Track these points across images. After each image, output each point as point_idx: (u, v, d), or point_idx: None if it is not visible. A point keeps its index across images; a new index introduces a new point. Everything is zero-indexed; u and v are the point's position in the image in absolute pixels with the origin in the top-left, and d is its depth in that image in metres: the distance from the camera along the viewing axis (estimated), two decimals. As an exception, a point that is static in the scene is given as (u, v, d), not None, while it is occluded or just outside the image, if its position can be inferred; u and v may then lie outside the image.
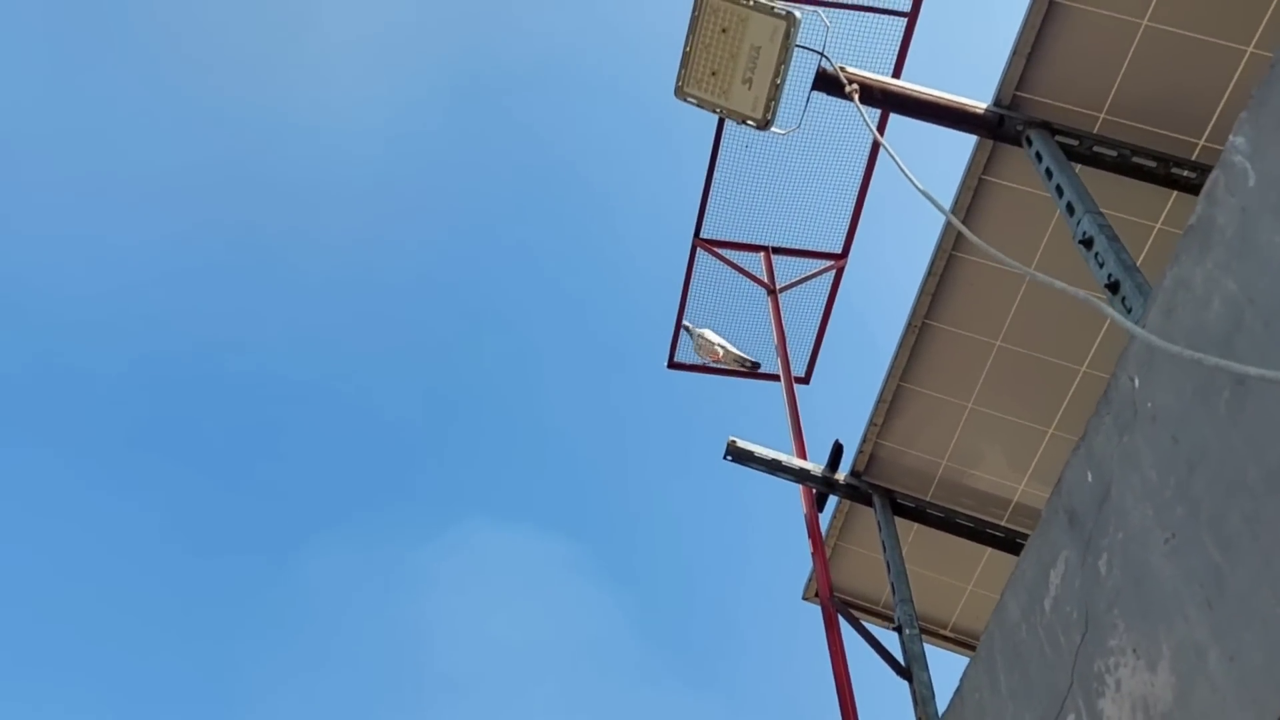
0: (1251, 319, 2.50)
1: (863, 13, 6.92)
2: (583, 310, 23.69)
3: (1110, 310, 2.68)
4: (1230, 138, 2.61)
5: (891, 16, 6.99)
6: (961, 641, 7.33)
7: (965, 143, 5.73)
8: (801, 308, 8.38)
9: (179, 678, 22.17)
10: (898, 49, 6.93)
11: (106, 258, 21.02)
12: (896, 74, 6.71)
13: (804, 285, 8.31)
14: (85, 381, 21.42)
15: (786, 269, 8.39)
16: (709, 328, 8.56)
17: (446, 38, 21.10)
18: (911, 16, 6.90)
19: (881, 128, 7.16)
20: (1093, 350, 5.91)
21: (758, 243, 8.40)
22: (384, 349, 23.30)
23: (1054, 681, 3.22)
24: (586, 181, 22.38)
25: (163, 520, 22.64)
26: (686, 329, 8.71)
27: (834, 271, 8.28)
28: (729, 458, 6.86)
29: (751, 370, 8.65)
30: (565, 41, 21.41)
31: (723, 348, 8.49)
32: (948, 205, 5.73)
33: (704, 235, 8.21)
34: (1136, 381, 2.97)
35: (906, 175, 4.33)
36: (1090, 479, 3.15)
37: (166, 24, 19.78)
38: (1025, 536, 6.43)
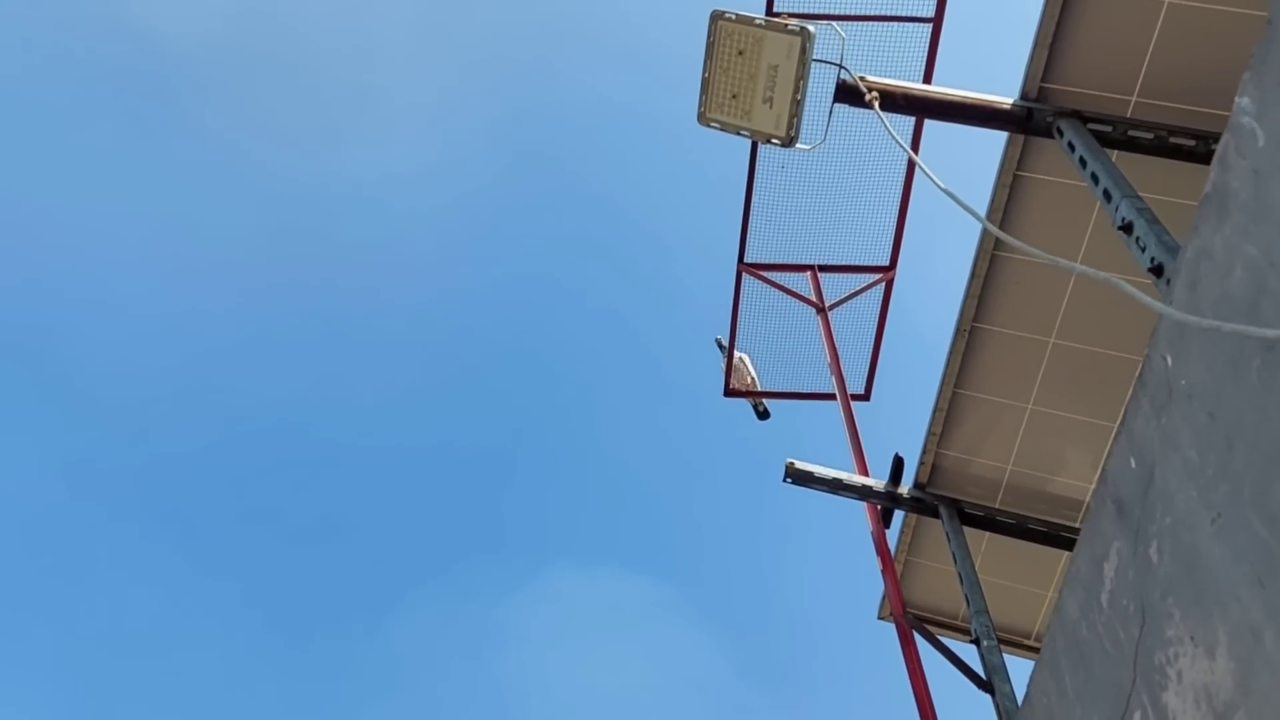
0: (1275, 282, 2.41)
1: (888, 23, 6.90)
2: (637, 346, 23.80)
3: (1129, 288, 2.61)
4: (1235, 99, 2.54)
5: (918, 25, 6.96)
6: (1047, 651, 7.10)
7: (1000, 140, 5.64)
8: (854, 324, 8.29)
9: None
10: (925, 55, 6.88)
11: (181, 332, 21.74)
12: (927, 79, 6.65)
13: (854, 301, 8.23)
14: (170, 458, 22.10)
15: (835, 286, 8.32)
16: (748, 353, 8.54)
17: (489, 92, 21.54)
18: (936, 22, 6.86)
19: (917, 134, 7.11)
20: (1151, 337, 5.73)
21: (803, 262, 8.35)
22: (444, 404, 23.65)
23: (1118, 678, 3.10)
24: (631, 218, 22.59)
25: (253, 592, 23.14)
26: (719, 344, 8.72)
27: (883, 284, 8.18)
28: (789, 480, 6.78)
29: (761, 415, 8.70)
30: (599, 84, 21.72)
31: (753, 378, 8.48)
32: (984, 205, 5.64)
33: (748, 260, 8.18)
34: (1169, 360, 2.88)
35: (934, 182, 4.28)
36: (1133, 465, 3.05)
37: (228, 101, 20.55)
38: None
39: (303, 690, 23.00)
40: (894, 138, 4.59)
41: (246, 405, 22.61)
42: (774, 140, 5.56)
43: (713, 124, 5.74)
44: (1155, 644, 2.89)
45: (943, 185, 4.20)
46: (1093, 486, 6.40)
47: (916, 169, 7.54)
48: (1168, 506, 2.85)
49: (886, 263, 8.13)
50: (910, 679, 5.99)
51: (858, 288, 8.21)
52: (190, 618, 22.62)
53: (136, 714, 22.01)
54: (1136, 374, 3.07)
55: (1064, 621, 3.49)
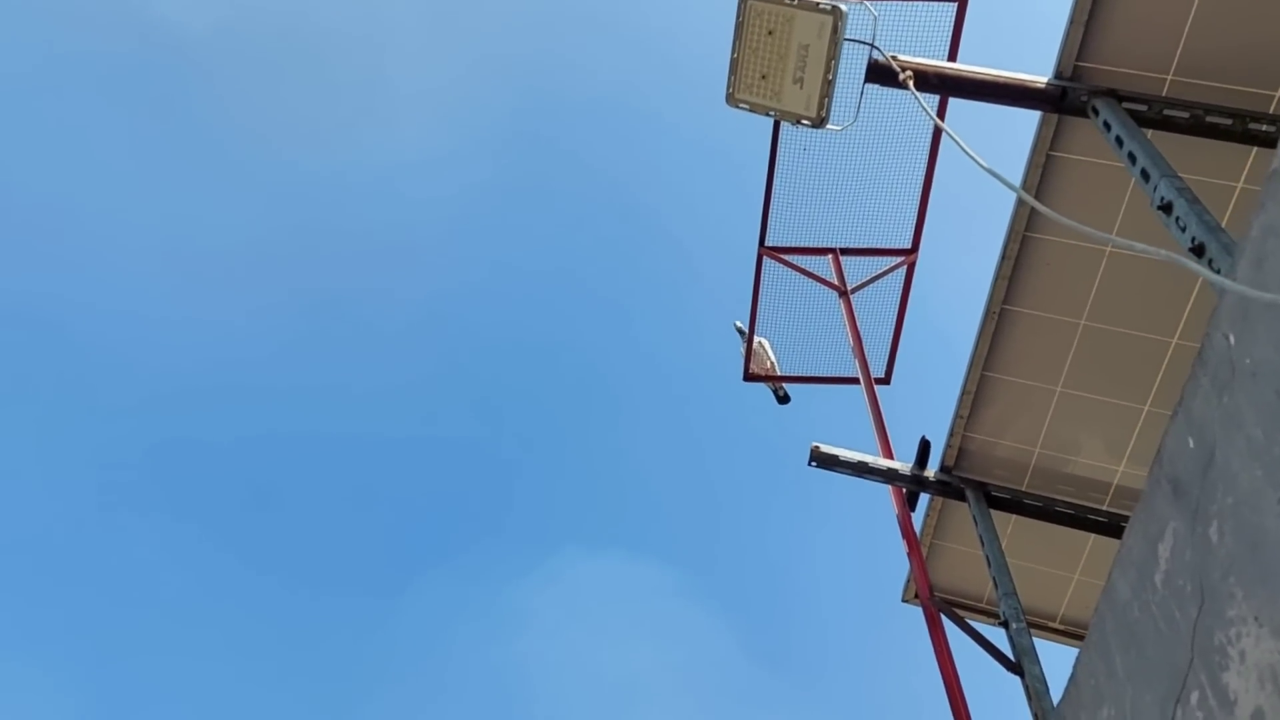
0: (1349, 258, 2.38)
1: (913, 1, 6.84)
2: (656, 331, 23.76)
3: (1197, 266, 2.57)
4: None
5: (941, 2, 6.90)
6: (1072, 633, 7.09)
7: (1028, 124, 5.61)
8: (875, 307, 8.26)
9: (294, 718, 22.61)
10: (951, 34, 6.82)
11: (192, 321, 21.73)
12: (952, 59, 6.60)
13: (876, 284, 8.19)
14: (183, 445, 22.13)
15: (856, 269, 8.28)
16: (768, 337, 8.51)
17: (501, 79, 21.45)
18: (961, 0, 6.80)
19: (941, 116, 7.05)
20: (1183, 320, 5.70)
21: (825, 245, 8.31)
22: (459, 388, 23.64)
23: (1173, 659, 3.08)
24: (648, 204, 22.53)
25: (266, 576, 23.19)
26: (739, 330, 8.68)
27: (905, 267, 8.14)
28: (813, 463, 6.76)
29: (781, 400, 8.68)
30: (612, 68, 21.61)
31: (772, 362, 8.45)
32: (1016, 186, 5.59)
33: (769, 243, 8.14)
34: (1232, 338, 2.85)
35: (971, 156, 4.23)
36: (1192, 445, 3.02)
37: (238, 91, 20.48)
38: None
39: (313, 674, 23.09)
40: (931, 117, 4.54)
41: (256, 393, 22.64)
42: (804, 121, 5.51)
43: (741, 105, 5.68)
44: (1215, 624, 2.86)
45: (982, 162, 4.16)
46: (1120, 469, 6.38)
47: (940, 154, 7.50)
48: (1230, 486, 2.82)
49: (909, 246, 8.09)
50: (938, 662, 5.98)
51: (879, 271, 8.17)
52: (201, 602, 22.70)
53: (144, 696, 22.11)
54: (1195, 356, 3.03)
55: (1114, 602, 3.47)
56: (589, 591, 23.71)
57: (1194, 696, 2.96)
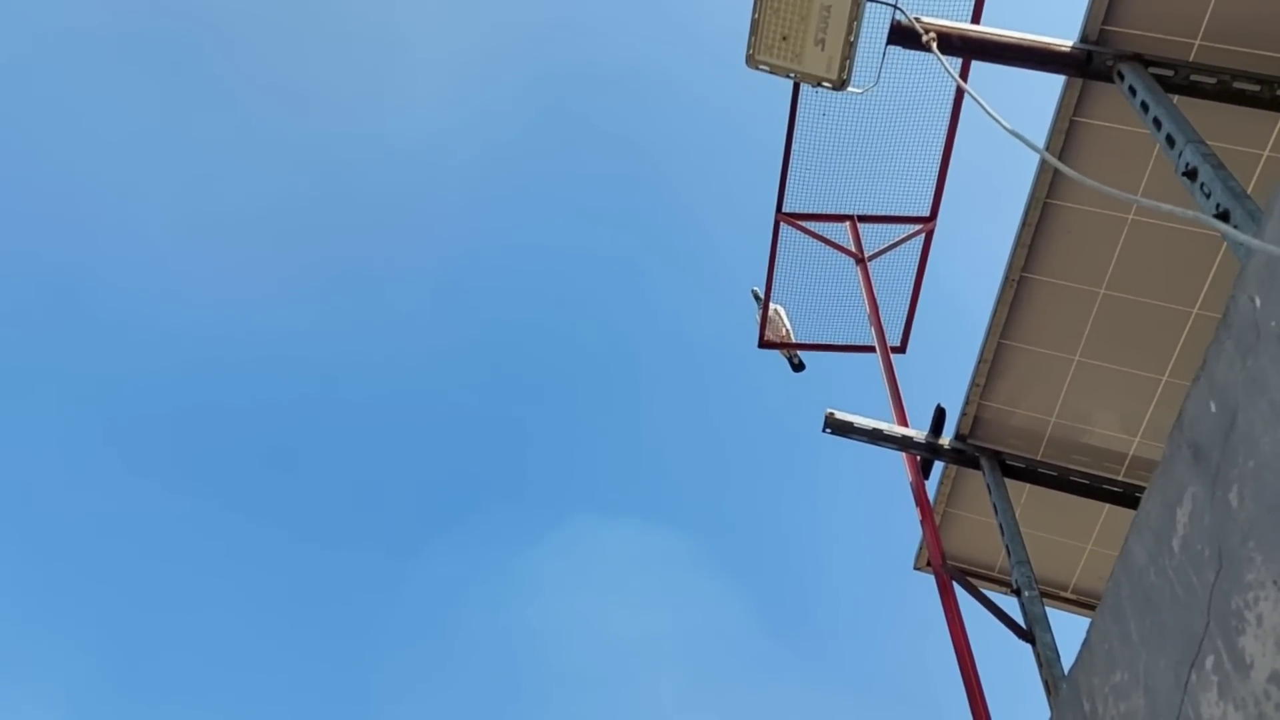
0: (1381, 219, 2.34)
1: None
2: (672, 297, 23.74)
3: (1225, 226, 2.54)
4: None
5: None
6: (1084, 603, 7.09)
7: (1051, 90, 5.53)
8: (892, 275, 8.22)
9: (308, 678, 22.90)
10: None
11: (212, 287, 21.80)
12: (975, 21, 6.51)
13: (893, 252, 8.15)
14: (218, 412, 22.31)
15: (874, 237, 8.23)
16: (783, 304, 8.49)
17: (520, 47, 21.32)
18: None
19: (963, 79, 6.97)
20: (1204, 290, 5.65)
21: (842, 212, 8.25)
22: (475, 355, 23.69)
23: (1189, 623, 3.07)
24: (666, 168, 22.44)
25: (278, 540, 23.41)
26: (755, 295, 8.66)
27: (923, 235, 8.09)
28: (828, 430, 6.75)
29: (795, 368, 8.67)
30: (632, 36, 21.45)
31: (787, 329, 8.43)
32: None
33: (787, 209, 8.09)
34: (1258, 301, 2.81)
35: (994, 117, 4.20)
36: (1214, 409, 3.00)
37: (259, 65, 20.42)
38: (1145, 489, 6.19)
39: (325, 639, 23.35)
40: (955, 79, 4.50)
41: (278, 359, 22.76)
42: (825, 83, 5.46)
43: (761, 67, 5.63)
44: (1233, 588, 2.85)
45: (1006, 124, 4.11)
46: (1136, 439, 6.35)
47: (962, 117, 7.42)
48: (1251, 450, 2.80)
49: (927, 213, 8.04)
50: (949, 628, 5.99)
51: (897, 238, 8.12)
52: (214, 568, 22.95)
53: (156, 665, 22.41)
54: (1220, 318, 3.00)
55: (1130, 567, 3.46)
56: (602, 557, 23.86)
57: (1209, 661, 2.96)
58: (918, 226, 8.08)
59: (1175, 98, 5.02)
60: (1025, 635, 5.79)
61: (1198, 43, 5.05)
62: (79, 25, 19.44)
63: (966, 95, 7.07)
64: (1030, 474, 6.55)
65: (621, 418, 24.76)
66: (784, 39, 5.48)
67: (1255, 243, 2.46)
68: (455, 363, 24.04)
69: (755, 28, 5.48)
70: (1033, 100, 5.80)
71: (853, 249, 8.14)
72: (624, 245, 23.66)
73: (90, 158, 20.44)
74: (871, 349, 7.81)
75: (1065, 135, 5.44)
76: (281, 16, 21.06)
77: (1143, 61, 5.03)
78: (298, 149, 21.56)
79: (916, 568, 7.50)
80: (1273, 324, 2.74)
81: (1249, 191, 5.20)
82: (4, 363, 20.80)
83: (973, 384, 6.43)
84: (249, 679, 22.54)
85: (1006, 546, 6.10)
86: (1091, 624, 3.76)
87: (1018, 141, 4.02)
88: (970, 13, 6.12)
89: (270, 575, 23.34)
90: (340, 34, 21.35)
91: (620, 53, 22.04)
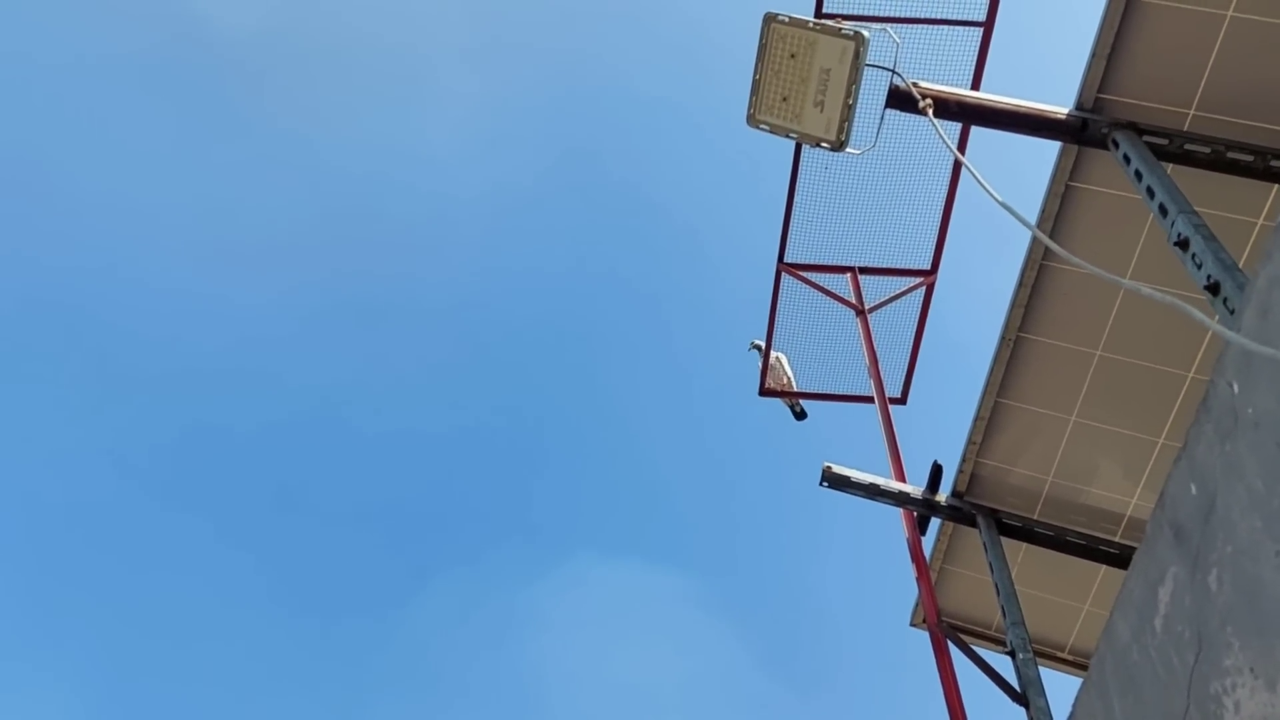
0: (1353, 315, 2.37)
1: (937, 26, 6.85)
2: (674, 342, 23.80)
3: (1198, 314, 2.57)
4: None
5: (967, 28, 6.90)
6: (1080, 664, 7.04)
7: (1050, 150, 5.59)
8: (892, 327, 8.25)
9: (302, 715, 22.74)
10: (975, 60, 6.83)
11: (221, 314, 21.96)
12: (975, 85, 6.60)
13: (894, 304, 8.19)
14: (218, 437, 22.37)
15: (875, 289, 8.28)
16: (785, 353, 8.53)
17: (532, 85, 21.59)
18: (987, 27, 6.81)
19: (964, 140, 7.04)
20: (1200, 354, 5.67)
21: (844, 264, 8.31)
22: (477, 391, 23.77)
23: (1169, 705, 3.07)
24: (670, 215, 22.59)
25: (279, 574, 23.36)
26: (755, 347, 8.70)
27: (924, 288, 8.13)
28: (825, 484, 6.75)
29: (798, 416, 8.71)
30: (644, 79, 21.71)
31: (789, 378, 8.47)
32: (1034, 214, 5.59)
33: (788, 260, 8.15)
34: (1235, 387, 2.84)
35: (987, 190, 4.24)
36: (1194, 491, 3.01)
37: (278, 88, 20.72)
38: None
39: (325, 674, 23.21)
40: (949, 147, 4.55)
41: (278, 386, 22.83)
42: (824, 144, 5.52)
43: (762, 126, 5.71)
44: (1211, 673, 2.86)
45: (998, 197, 4.17)
46: (1133, 501, 6.34)
47: (962, 174, 7.49)
48: (1229, 535, 2.81)
49: (928, 267, 8.08)
50: (943, 688, 5.97)
51: (898, 291, 8.16)
52: (214, 598, 22.88)
53: (155, 694, 22.29)
54: (1201, 398, 3.03)
55: (1114, 644, 3.46)
56: (604, 597, 23.73)
57: (1189, 744, 2.96)
58: (918, 279, 8.12)
59: (1170, 166, 5.08)
60: (1019, 698, 5.75)
61: (1192, 112, 5.10)
62: (108, 49, 19.76)
63: (967, 151, 7.16)
64: (1027, 533, 6.53)
65: (624, 458, 24.74)
66: (784, 100, 5.55)
67: (1230, 335, 2.49)
68: (457, 398, 24.08)
69: (756, 88, 5.56)
70: (1033, 158, 5.86)
71: (853, 300, 8.18)
72: (631, 286, 23.77)
73: (94, 165, 20.66)
74: (871, 400, 7.83)
75: (1061, 200, 5.48)
76: (297, 24, 21.35)
77: (1137, 130, 5.08)
78: (312, 172, 21.76)
79: (913, 624, 7.47)
80: (1249, 411, 2.76)
81: (1243, 261, 5.26)
82: (5, 367, 20.87)
83: (969, 441, 6.44)
84: (243, 712, 22.39)
85: (1002, 607, 6.08)
86: (1076, 699, 3.76)
87: (1019, 197, 4.08)
88: (970, 79, 6.21)
89: (265, 609, 23.26)
90: (359, 61, 21.62)
91: (633, 91, 22.26)
